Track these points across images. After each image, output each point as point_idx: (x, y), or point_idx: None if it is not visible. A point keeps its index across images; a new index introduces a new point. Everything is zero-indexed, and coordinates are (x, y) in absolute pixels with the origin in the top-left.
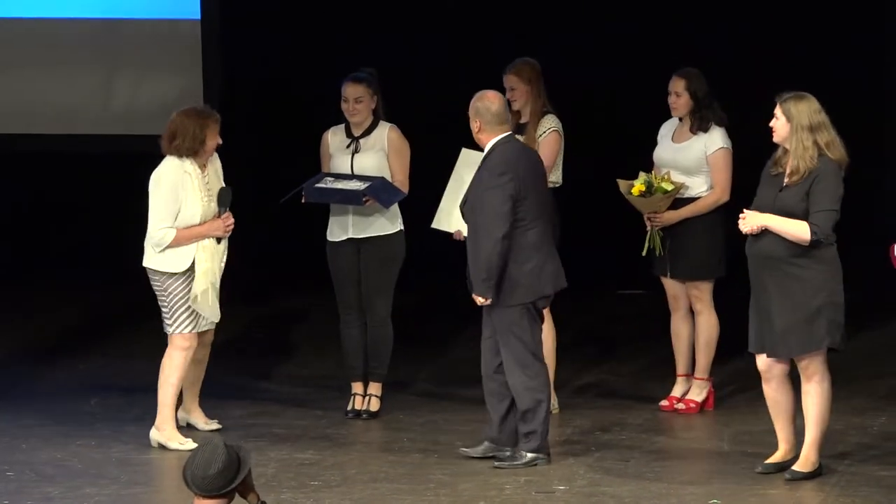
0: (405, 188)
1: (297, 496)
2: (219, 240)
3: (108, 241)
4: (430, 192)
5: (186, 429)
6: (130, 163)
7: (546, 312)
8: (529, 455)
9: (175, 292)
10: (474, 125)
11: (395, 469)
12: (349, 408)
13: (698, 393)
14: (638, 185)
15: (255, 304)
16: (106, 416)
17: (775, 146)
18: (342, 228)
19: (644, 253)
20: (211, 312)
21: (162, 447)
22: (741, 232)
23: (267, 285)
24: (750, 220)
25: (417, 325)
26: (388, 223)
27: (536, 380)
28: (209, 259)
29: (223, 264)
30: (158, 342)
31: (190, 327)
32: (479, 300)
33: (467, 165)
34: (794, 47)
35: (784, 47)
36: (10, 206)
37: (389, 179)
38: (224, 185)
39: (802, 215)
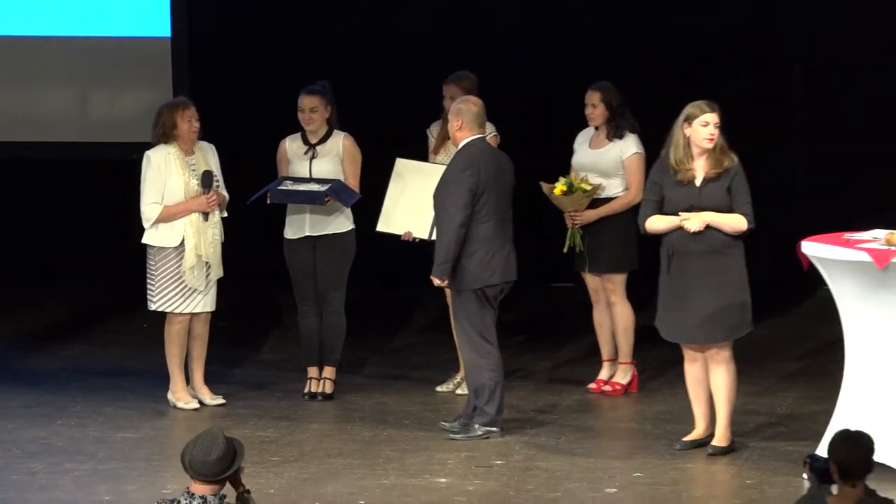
0: (358, 190)
1: (259, 470)
2: (206, 217)
3: (87, 239)
4: (375, 195)
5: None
6: (108, 168)
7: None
8: (482, 428)
9: (167, 268)
10: (456, 123)
11: (347, 446)
12: (306, 390)
13: (623, 376)
14: (560, 186)
15: (220, 296)
16: (85, 399)
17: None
18: (299, 227)
19: (565, 250)
20: (199, 285)
21: (174, 406)
22: (640, 229)
23: (229, 280)
24: (695, 220)
25: (368, 316)
26: (342, 222)
27: (487, 359)
28: (195, 234)
29: (214, 243)
30: (135, 332)
31: (180, 307)
32: (436, 281)
33: (405, 172)
34: (700, 58)
35: (691, 59)
36: None
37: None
38: (211, 169)
39: (726, 209)
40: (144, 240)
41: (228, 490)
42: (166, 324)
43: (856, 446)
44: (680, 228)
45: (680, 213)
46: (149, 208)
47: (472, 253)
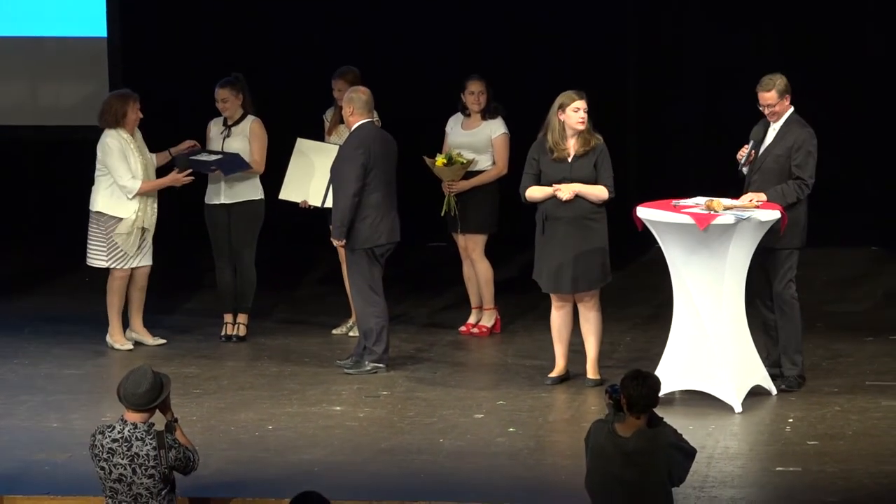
0: (260, 166)
1: (183, 401)
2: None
3: (35, 205)
4: (281, 168)
5: (138, 345)
6: (53, 147)
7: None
8: (371, 364)
9: (118, 234)
10: (348, 109)
11: (257, 380)
12: (223, 333)
13: (488, 319)
14: (441, 159)
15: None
16: (36, 341)
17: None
18: (216, 194)
19: (442, 213)
20: (133, 250)
21: (112, 347)
22: (521, 198)
23: (159, 240)
24: (566, 190)
25: (274, 270)
26: (252, 191)
27: (375, 307)
28: (142, 209)
29: (154, 217)
30: (79, 285)
31: (127, 264)
32: (336, 242)
33: (305, 150)
34: (549, 54)
35: (543, 54)
36: None
37: (248, 159)
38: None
39: (593, 181)
40: (99, 208)
41: (160, 419)
42: (109, 278)
43: (642, 385)
44: (554, 197)
45: (553, 185)
46: (129, 182)
47: (364, 218)
